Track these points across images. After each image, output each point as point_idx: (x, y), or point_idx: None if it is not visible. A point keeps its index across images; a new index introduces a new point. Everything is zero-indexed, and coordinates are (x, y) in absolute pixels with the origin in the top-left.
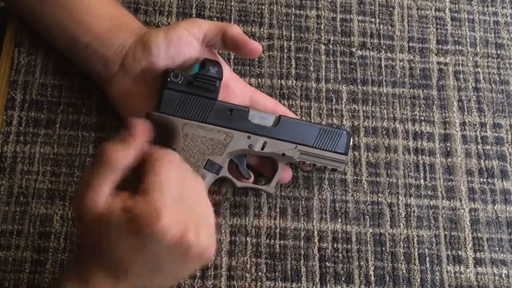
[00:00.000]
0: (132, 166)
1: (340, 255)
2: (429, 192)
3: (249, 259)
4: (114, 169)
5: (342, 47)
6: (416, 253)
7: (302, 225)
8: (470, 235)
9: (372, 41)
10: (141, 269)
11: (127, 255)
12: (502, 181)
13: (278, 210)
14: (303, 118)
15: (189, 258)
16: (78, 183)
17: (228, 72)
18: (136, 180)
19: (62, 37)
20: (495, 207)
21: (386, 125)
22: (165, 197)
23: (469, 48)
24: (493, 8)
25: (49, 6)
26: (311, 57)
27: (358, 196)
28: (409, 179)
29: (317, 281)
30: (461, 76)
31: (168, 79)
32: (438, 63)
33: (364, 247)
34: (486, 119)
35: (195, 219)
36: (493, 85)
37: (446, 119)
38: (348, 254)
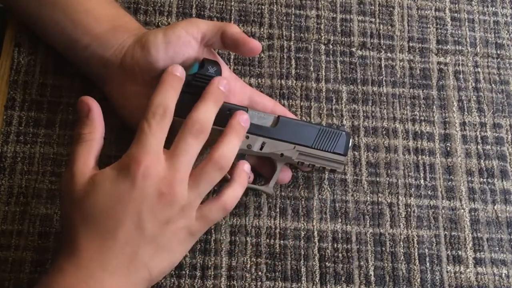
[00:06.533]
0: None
1: (340, 255)
2: (429, 192)
3: (249, 259)
4: (90, 143)
5: (342, 47)
6: (416, 253)
7: (302, 225)
8: (470, 235)
9: (372, 41)
10: (128, 232)
11: (114, 217)
12: (502, 181)
13: (278, 210)
14: (303, 118)
15: (172, 213)
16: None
17: (227, 72)
18: None
19: (61, 39)
20: (495, 207)
21: (386, 125)
22: (146, 148)
23: (469, 48)
24: (493, 8)
25: (48, 7)
26: (311, 57)
27: (358, 196)
28: (409, 179)
29: (317, 281)
30: (461, 76)
31: None
32: (438, 63)
33: (364, 247)
34: (486, 119)
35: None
36: (493, 85)
37: (446, 119)
38: (348, 254)
